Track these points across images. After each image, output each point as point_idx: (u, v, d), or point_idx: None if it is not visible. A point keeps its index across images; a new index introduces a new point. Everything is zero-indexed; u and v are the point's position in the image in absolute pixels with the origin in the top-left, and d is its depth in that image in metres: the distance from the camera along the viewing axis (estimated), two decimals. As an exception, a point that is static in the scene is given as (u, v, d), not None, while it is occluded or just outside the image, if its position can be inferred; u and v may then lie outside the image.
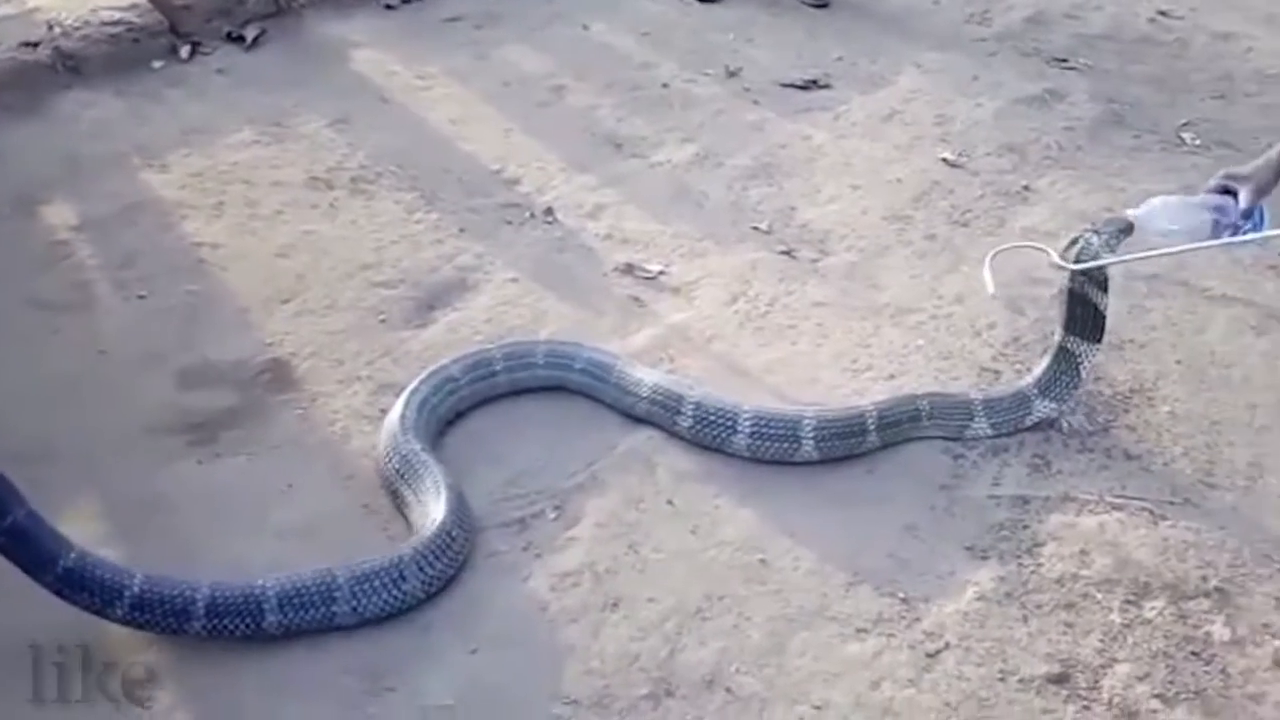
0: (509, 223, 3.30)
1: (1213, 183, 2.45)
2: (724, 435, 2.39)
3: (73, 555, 1.87)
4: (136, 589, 1.88)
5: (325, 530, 2.23)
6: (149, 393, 2.55)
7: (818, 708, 1.90)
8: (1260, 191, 2.41)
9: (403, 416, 2.34)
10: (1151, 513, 2.29)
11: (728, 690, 1.92)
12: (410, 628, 2.02)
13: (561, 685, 1.92)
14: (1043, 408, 2.49)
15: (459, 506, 2.17)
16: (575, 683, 1.92)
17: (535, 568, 2.16)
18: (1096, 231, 2.38)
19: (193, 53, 4.06)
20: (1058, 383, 2.49)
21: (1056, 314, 2.54)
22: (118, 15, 4.00)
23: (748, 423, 2.38)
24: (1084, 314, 2.44)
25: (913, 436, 2.47)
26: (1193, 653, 2.00)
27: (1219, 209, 2.41)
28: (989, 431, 2.48)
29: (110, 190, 3.27)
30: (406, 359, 2.70)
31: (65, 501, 2.20)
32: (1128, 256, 2.43)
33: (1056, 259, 2.37)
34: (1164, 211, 2.38)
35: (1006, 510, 2.32)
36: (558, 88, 4.08)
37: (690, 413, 2.42)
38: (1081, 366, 2.48)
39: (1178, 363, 2.76)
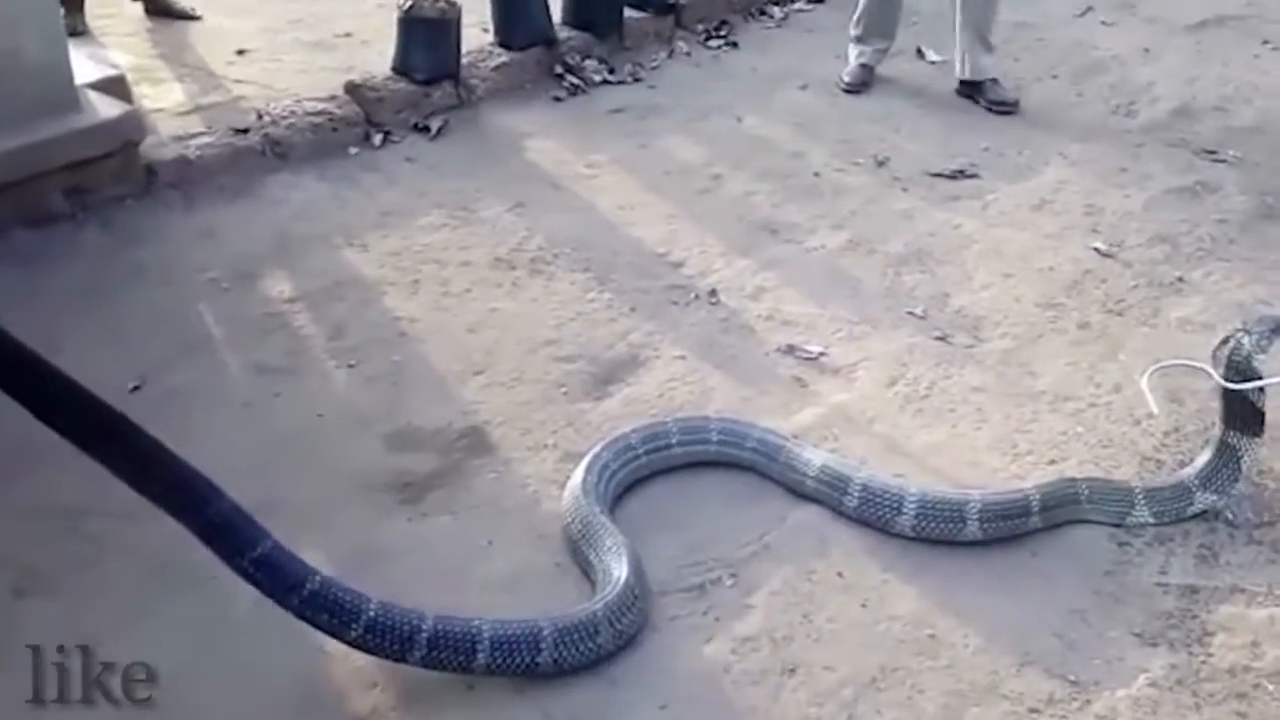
0: (675, 303, 3.52)
1: None
2: (889, 515, 2.53)
3: (317, 579, 2.07)
4: (371, 614, 2.08)
5: (523, 585, 2.43)
6: (361, 454, 2.82)
7: (992, 780, 2.00)
8: None
9: (584, 482, 2.55)
10: (1320, 607, 2.34)
11: (905, 758, 2.05)
12: (598, 680, 2.20)
13: (749, 744, 2.07)
14: (1204, 499, 2.56)
15: (639, 566, 2.35)
16: (762, 743, 2.07)
17: (715, 631, 2.32)
18: (1247, 331, 2.46)
19: (384, 141, 4.43)
20: (1219, 475, 2.56)
21: (1217, 407, 2.62)
22: (320, 106, 4.40)
23: (913, 504, 2.51)
24: (1242, 410, 2.52)
25: (1074, 519, 2.57)
26: (1366, 747, 2.04)
27: None
28: (1150, 520, 2.56)
29: (317, 267, 3.61)
30: (587, 429, 2.92)
31: (296, 548, 2.46)
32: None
33: (1220, 380, 2.46)
34: None
35: (1174, 599, 2.39)
36: (715, 176, 4.32)
37: (856, 493, 2.56)
38: (1242, 460, 2.54)
39: (1344, 458, 2.79)
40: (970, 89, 4.89)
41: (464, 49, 4.76)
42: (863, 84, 5.00)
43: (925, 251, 3.81)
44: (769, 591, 2.41)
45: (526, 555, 2.52)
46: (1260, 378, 2.47)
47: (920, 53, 5.31)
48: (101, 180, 3.74)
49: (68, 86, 3.65)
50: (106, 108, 3.75)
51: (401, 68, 4.63)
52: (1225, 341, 2.53)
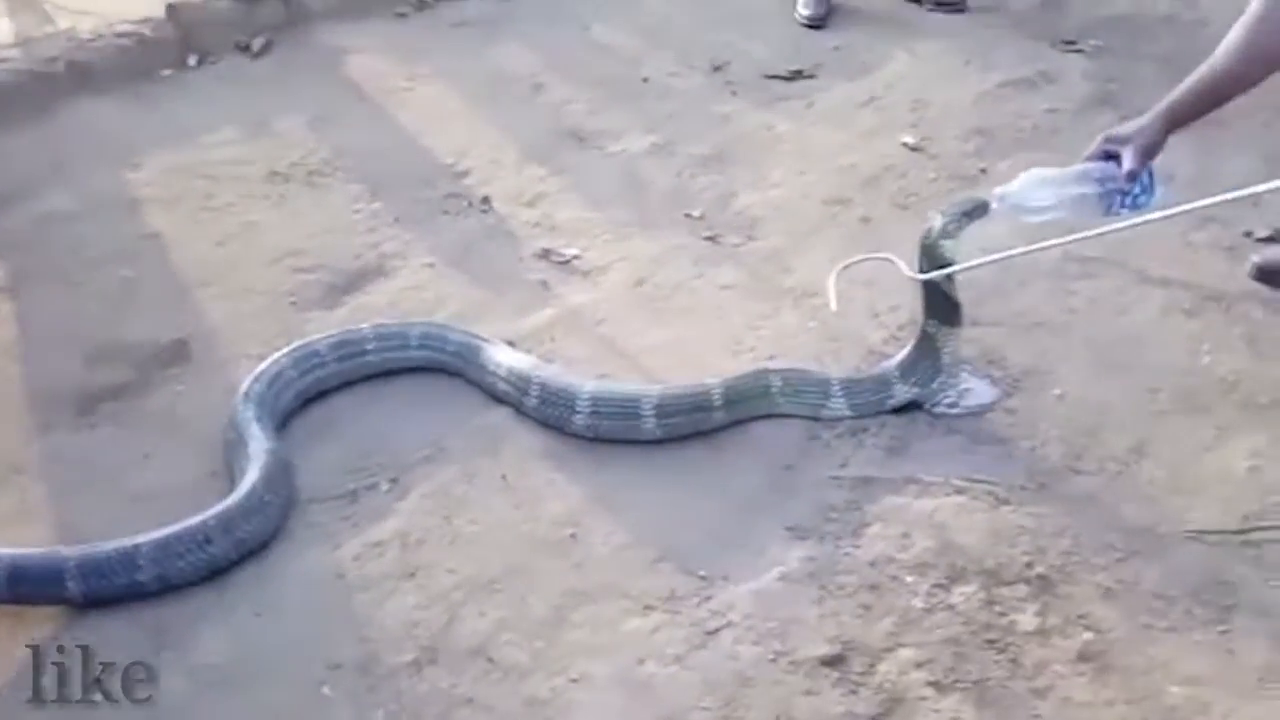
0: (446, 213, 3.35)
1: (1093, 147, 2.29)
2: (565, 414, 2.37)
3: None
4: None
5: (171, 496, 2.29)
6: (57, 370, 2.69)
7: (574, 680, 1.86)
8: (1146, 152, 2.24)
9: (247, 390, 2.42)
10: (996, 497, 2.15)
11: (490, 660, 1.90)
12: (209, 590, 2.07)
13: (332, 651, 1.93)
14: (905, 392, 2.38)
15: (274, 471, 2.21)
16: (346, 648, 1.93)
17: (348, 537, 2.18)
18: (942, 213, 2.26)
19: (200, 62, 4.27)
20: (919, 367, 2.37)
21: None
22: (131, 28, 4.24)
23: (586, 402, 2.35)
24: (936, 300, 2.33)
25: (766, 413, 2.39)
26: (988, 641, 1.86)
27: (1102, 178, 2.25)
28: (848, 413, 2.38)
29: (85, 188, 3.45)
30: (304, 337, 2.77)
31: (-62, 464, 2.37)
32: (975, 262, 2.31)
33: (905, 269, 2.27)
34: (1035, 186, 2.22)
35: (847, 492, 2.21)
36: (537, 85, 4.11)
37: (535, 393, 2.41)
38: (942, 351, 2.35)
39: (1087, 346, 2.58)
40: None
41: (297, -38, 4.58)
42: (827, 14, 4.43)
43: (728, 153, 3.60)
44: (420, 495, 2.27)
45: (184, 466, 2.39)
46: (950, 263, 2.26)
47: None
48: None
49: None
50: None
51: (226, -15, 4.46)
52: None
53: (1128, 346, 2.57)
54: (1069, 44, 4.17)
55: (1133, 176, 2.22)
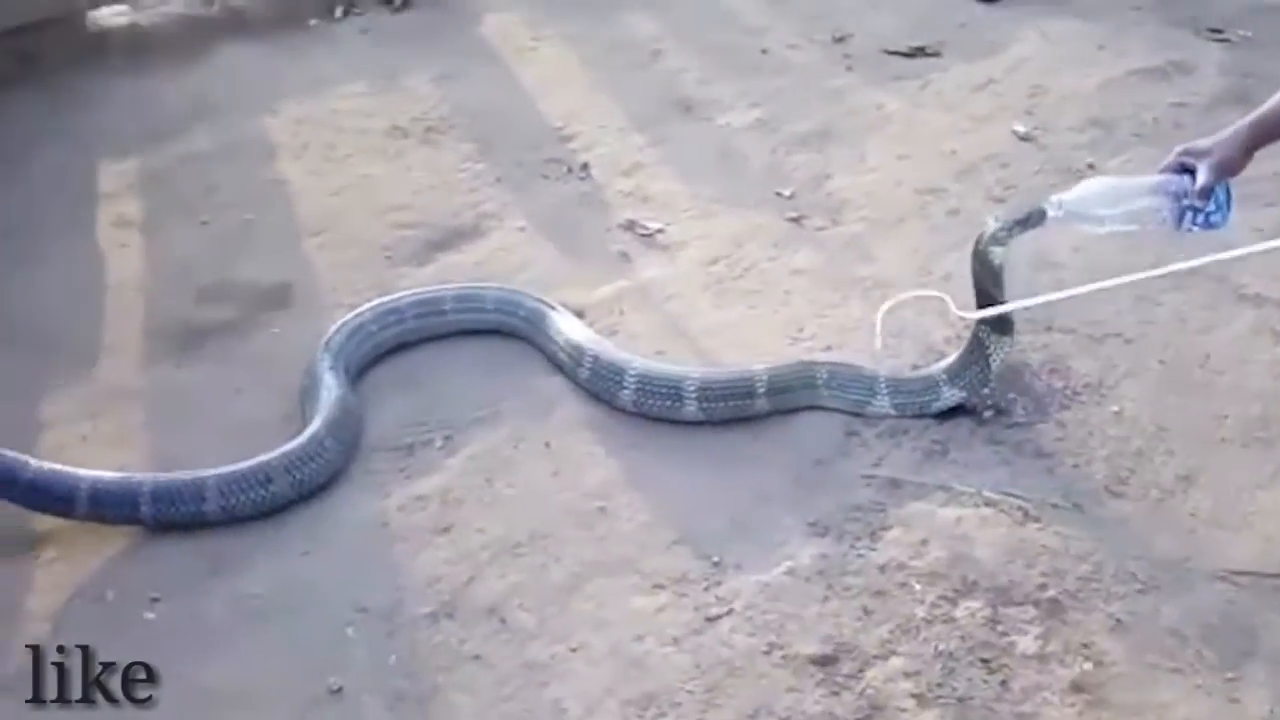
0: (545, 177, 3.45)
1: (1169, 159, 2.20)
2: (613, 388, 2.45)
3: None
4: (30, 475, 2.19)
5: (254, 433, 2.48)
6: (172, 304, 2.93)
7: (574, 649, 1.95)
8: (1223, 168, 2.13)
9: (328, 340, 2.59)
10: (1025, 513, 2.13)
11: (501, 621, 2.02)
12: (268, 525, 2.26)
13: (363, 595, 2.08)
14: (951, 395, 2.36)
15: (338, 418, 2.38)
16: (375, 594, 2.08)
17: (397, 488, 2.33)
18: (996, 218, 2.22)
19: (345, 13, 4.49)
20: (968, 372, 2.34)
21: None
22: (282, -23, 4.48)
23: (634, 378, 2.42)
24: (989, 306, 2.28)
25: (808, 405, 2.42)
26: (982, 659, 1.87)
27: (1176, 192, 2.16)
28: (892, 411, 2.38)
29: (226, 132, 3.70)
30: (393, 292, 2.93)
31: (56, 386, 2.62)
32: (1024, 302, 2.26)
33: (954, 309, 2.22)
34: (1098, 195, 2.15)
35: (874, 492, 2.23)
36: (656, 51, 4.15)
37: (588, 365, 2.50)
38: (991, 359, 2.31)
39: (1160, 362, 2.50)
40: None
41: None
42: None
43: (832, 131, 3.58)
44: (469, 454, 2.40)
45: (272, 405, 2.58)
46: (997, 267, 2.22)
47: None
48: (46, 45, 3.97)
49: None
50: (51, -27, 3.95)
51: (374, -62, 4.63)
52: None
53: (1203, 367, 2.47)
54: (1215, 32, 3.94)
55: (1206, 193, 2.11)
